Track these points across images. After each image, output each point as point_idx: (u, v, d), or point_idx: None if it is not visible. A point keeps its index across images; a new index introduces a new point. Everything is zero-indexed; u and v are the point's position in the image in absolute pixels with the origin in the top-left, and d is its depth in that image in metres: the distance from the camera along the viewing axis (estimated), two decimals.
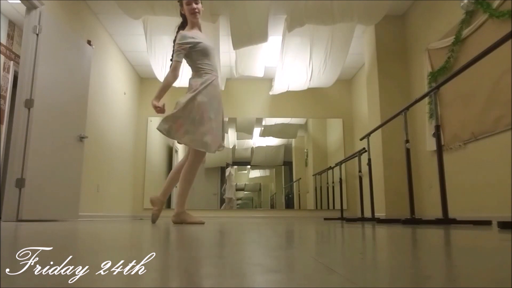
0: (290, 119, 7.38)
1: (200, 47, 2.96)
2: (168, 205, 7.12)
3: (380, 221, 3.64)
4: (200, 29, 3.11)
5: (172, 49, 3.00)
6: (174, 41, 2.99)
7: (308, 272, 0.49)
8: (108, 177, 5.72)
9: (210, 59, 3.00)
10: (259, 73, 6.27)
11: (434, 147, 3.58)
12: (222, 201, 7.22)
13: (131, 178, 6.97)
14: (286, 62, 5.66)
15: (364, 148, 4.76)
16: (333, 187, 6.83)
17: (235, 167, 7.44)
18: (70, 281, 0.42)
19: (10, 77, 5.13)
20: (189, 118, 2.83)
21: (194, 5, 2.97)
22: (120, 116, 6.26)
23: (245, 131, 7.45)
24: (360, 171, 5.03)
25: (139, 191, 7.08)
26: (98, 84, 5.23)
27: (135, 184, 7.07)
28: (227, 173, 7.38)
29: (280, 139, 7.44)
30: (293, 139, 7.44)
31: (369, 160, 4.43)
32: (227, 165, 7.39)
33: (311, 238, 1.21)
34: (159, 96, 2.92)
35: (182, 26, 3.08)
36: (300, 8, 4.56)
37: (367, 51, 5.43)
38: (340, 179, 6.08)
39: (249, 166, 7.45)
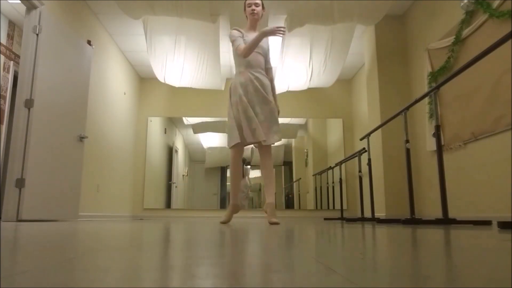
0: (290, 119, 7.38)
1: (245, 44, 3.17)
2: (168, 205, 7.12)
3: (380, 221, 3.64)
4: (257, 30, 3.27)
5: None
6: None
7: (308, 272, 0.49)
8: (108, 177, 5.72)
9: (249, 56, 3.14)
10: None
11: (434, 147, 3.58)
12: (222, 201, 7.21)
13: (131, 178, 6.97)
14: (286, 62, 5.66)
15: (364, 148, 4.76)
16: (333, 187, 6.83)
17: (249, 166, 7.39)
18: (70, 281, 0.42)
19: (10, 77, 5.13)
20: None
21: (254, 7, 3.21)
22: (120, 116, 6.26)
23: None
24: (360, 171, 5.03)
25: (139, 191, 7.08)
26: (98, 84, 5.23)
27: (135, 184, 7.07)
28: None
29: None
30: (293, 139, 7.44)
31: (369, 160, 4.43)
32: (244, 162, 7.35)
33: (311, 238, 1.21)
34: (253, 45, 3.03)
35: None
36: (300, 8, 4.56)
37: (367, 51, 5.43)
38: (340, 179, 6.08)
39: (249, 166, 7.44)
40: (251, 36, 3.16)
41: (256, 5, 3.20)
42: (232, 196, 3.12)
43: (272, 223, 2.85)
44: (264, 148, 3.06)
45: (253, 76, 3.07)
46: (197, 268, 0.53)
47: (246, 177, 7.33)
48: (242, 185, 7.26)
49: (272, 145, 3.06)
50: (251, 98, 3.03)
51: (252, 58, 3.12)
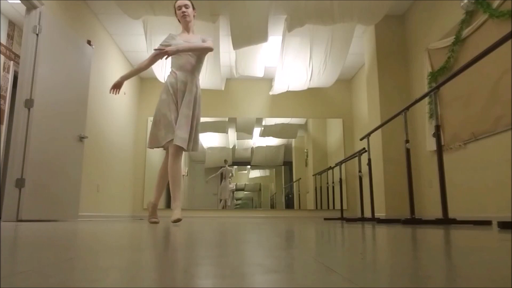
0: (290, 119, 7.38)
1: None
2: (168, 205, 7.12)
3: (380, 221, 3.64)
4: (189, 32, 3.19)
5: None
6: None
7: (308, 272, 0.49)
8: (108, 177, 5.72)
9: (179, 58, 3.05)
10: (259, 73, 6.27)
11: (434, 147, 3.58)
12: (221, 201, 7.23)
13: (131, 178, 6.97)
14: (286, 62, 5.66)
15: (364, 148, 4.76)
16: (333, 187, 6.83)
17: (235, 167, 7.44)
18: (70, 281, 0.42)
19: (10, 77, 5.13)
20: None
21: (184, 9, 3.12)
22: (120, 116, 6.27)
23: (245, 131, 7.45)
24: (360, 171, 5.03)
25: (139, 191, 7.08)
26: (98, 84, 5.23)
27: (135, 184, 7.07)
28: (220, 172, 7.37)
29: (280, 139, 7.44)
30: (293, 139, 7.44)
31: (369, 160, 4.43)
32: (225, 162, 7.36)
33: (311, 238, 1.21)
34: (126, 76, 3.14)
35: None
36: (300, 8, 4.56)
37: (367, 51, 5.43)
38: (340, 179, 6.08)
39: (249, 166, 7.44)
40: (184, 38, 3.11)
41: (186, 6, 3.12)
42: (156, 195, 3.09)
43: (174, 221, 2.77)
44: (179, 150, 2.92)
45: (182, 78, 3.00)
46: (197, 268, 0.53)
47: (228, 179, 7.30)
48: (222, 188, 7.25)
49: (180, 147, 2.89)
50: (178, 98, 2.98)
51: (183, 61, 3.04)
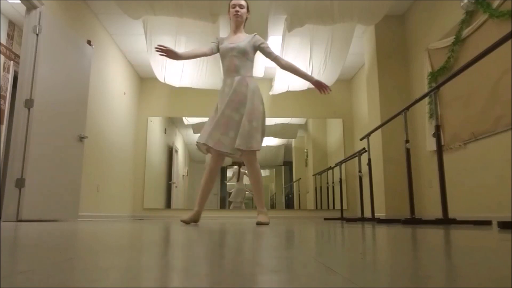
0: (290, 119, 7.38)
1: (220, 50, 3.09)
2: (167, 205, 7.12)
3: (380, 221, 3.64)
4: (239, 32, 3.14)
5: None
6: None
7: (308, 272, 0.49)
8: (108, 177, 5.72)
9: (225, 62, 3.04)
10: (259, 73, 6.27)
11: (434, 147, 3.58)
12: (222, 201, 7.21)
13: (131, 178, 6.97)
14: None
15: (364, 148, 4.76)
16: (333, 187, 6.83)
17: (235, 167, 7.42)
18: (70, 281, 0.42)
19: (10, 77, 5.13)
20: None
21: (238, 8, 3.08)
22: (120, 116, 6.26)
23: None
24: (360, 171, 5.03)
25: (139, 191, 7.08)
26: (98, 84, 5.23)
27: (135, 184, 7.07)
28: (231, 174, 7.35)
29: (280, 139, 7.44)
30: (293, 139, 7.44)
31: (369, 160, 4.43)
32: (240, 164, 7.31)
33: (311, 238, 1.21)
34: (180, 54, 2.94)
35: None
36: (300, 8, 4.56)
37: (367, 51, 5.43)
38: (340, 179, 6.08)
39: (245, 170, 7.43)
40: (230, 40, 3.05)
41: (241, 6, 3.06)
42: (199, 202, 2.97)
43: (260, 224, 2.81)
44: (244, 155, 2.90)
45: (228, 81, 2.96)
46: (197, 268, 0.53)
47: (242, 181, 7.28)
48: (238, 190, 7.24)
49: (253, 150, 2.85)
50: (226, 104, 2.88)
51: (228, 63, 2.99)
